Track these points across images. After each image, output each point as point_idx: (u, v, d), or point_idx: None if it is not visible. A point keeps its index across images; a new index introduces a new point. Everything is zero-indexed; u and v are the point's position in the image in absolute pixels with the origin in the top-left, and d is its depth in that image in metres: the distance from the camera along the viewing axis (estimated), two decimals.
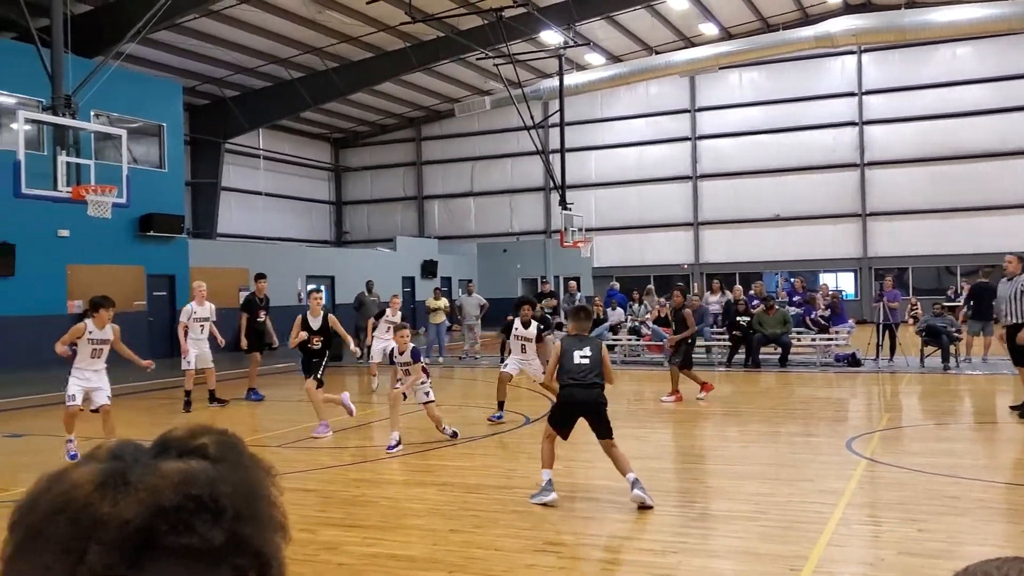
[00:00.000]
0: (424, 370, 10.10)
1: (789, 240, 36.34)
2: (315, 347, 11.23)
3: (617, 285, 24.98)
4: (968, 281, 24.70)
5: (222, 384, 14.62)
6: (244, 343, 14.47)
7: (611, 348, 20.36)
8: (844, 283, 35.69)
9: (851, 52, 35.11)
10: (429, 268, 36.42)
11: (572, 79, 32.44)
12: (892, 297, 18.39)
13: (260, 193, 37.86)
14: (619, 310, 21.63)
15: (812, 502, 7.04)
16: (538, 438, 10.44)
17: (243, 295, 26.75)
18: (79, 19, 19.84)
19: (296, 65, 31.27)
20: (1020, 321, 11.24)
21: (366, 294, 21.48)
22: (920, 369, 17.08)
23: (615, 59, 35.42)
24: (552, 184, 34.50)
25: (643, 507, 6.86)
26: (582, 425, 7.48)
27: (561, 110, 30.63)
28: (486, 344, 22.78)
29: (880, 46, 33.81)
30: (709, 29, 34.00)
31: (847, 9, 33.10)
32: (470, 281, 25.96)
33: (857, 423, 11.71)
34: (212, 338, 13.57)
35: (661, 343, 18.77)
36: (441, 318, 21.14)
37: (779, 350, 18.17)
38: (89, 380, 9.29)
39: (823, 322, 19.17)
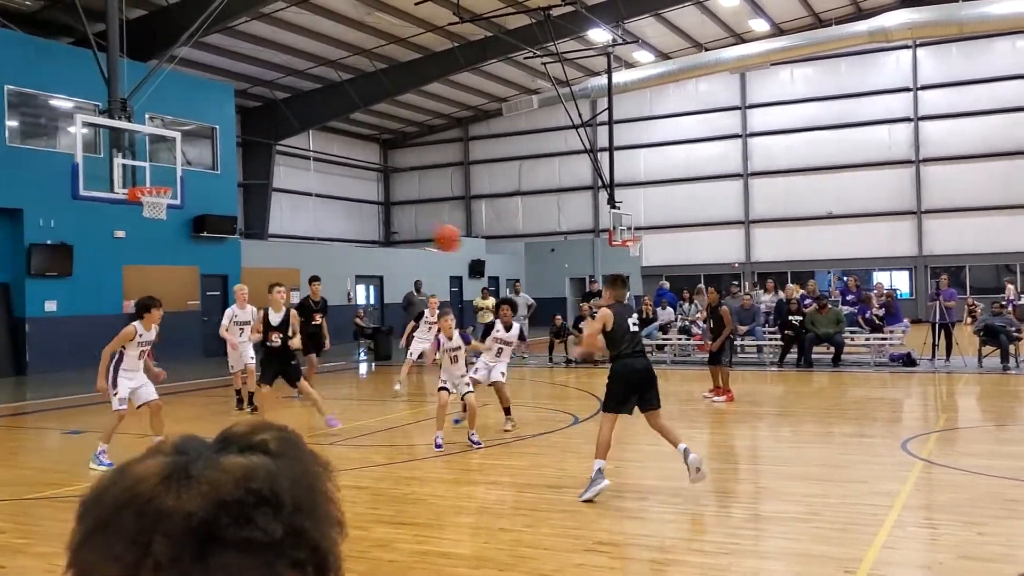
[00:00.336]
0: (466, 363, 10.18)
1: (842, 238, 35.75)
2: (274, 344, 10.81)
3: (667, 284, 24.78)
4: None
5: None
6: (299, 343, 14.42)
7: (661, 348, 20.24)
8: (899, 282, 35.04)
9: (906, 47, 34.44)
10: (477, 268, 36.50)
11: (620, 77, 32.28)
12: (948, 296, 18.00)
13: (310, 194, 38.27)
14: (669, 309, 21.47)
15: (866, 504, 6.91)
16: (587, 436, 10.42)
17: (294, 296, 27.20)
18: (134, 24, 20.28)
19: (345, 67, 31.55)
20: None
21: (414, 294, 21.59)
22: (978, 369, 16.70)
23: (664, 56, 35.17)
24: (600, 183, 34.38)
25: (698, 472, 7.10)
26: (625, 422, 7.43)
27: (610, 108, 30.50)
28: (533, 344, 22.73)
29: (936, 40, 33.10)
30: (760, 25, 33.60)
31: (902, 3, 32.45)
32: (517, 281, 25.96)
33: (913, 424, 11.48)
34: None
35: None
36: (489, 317, 21.08)
37: (832, 350, 17.89)
38: (135, 379, 9.29)
39: (877, 321, 18.83)
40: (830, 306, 18.41)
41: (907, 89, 35.27)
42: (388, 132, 42.71)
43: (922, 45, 34.57)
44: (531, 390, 16.19)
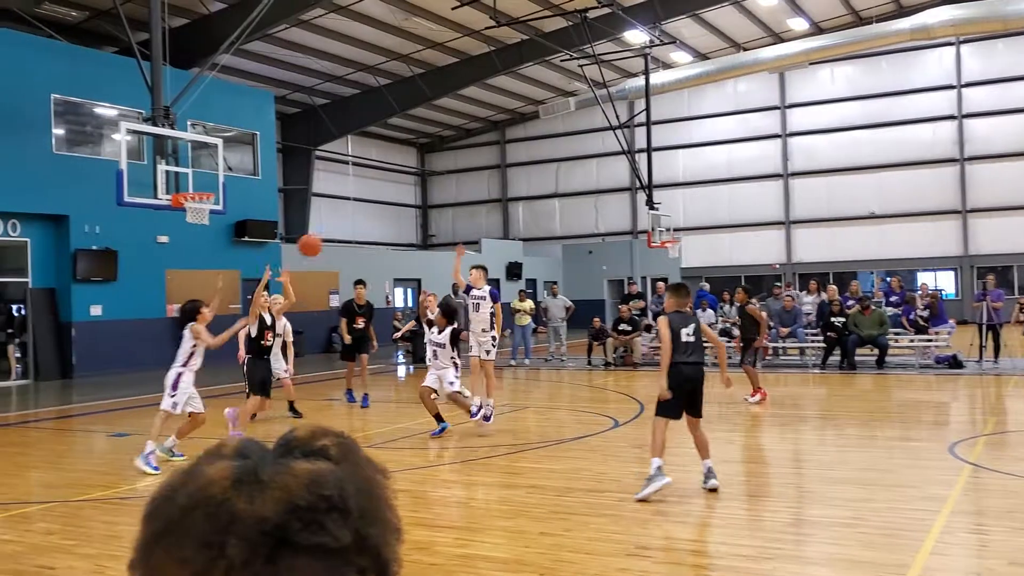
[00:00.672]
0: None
1: (885, 238, 35.23)
2: (268, 343, 10.86)
3: (707, 286, 24.58)
4: None
5: (320, 385, 14.90)
6: (347, 339, 14.35)
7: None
8: (944, 282, 34.46)
9: (949, 44, 33.88)
10: (514, 270, 36.52)
11: (658, 78, 32.10)
12: (996, 296, 17.66)
13: (349, 198, 38.55)
14: (709, 311, 21.30)
15: (914, 509, 6.79)
16: (628, 440, 10.39)
17: (333, 298, 27.43)
18: (176, 32, 20.59)
19: (383, 72, 31.75)
20: None
21: (452, 296, 21.61)
22: None
23: (702, 57, 34.94)
24: (638, 184, 34.23)
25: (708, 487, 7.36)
26: (672, 427, 7.40)
27: (647, 109, 30.34)
28: (572, 346, 22.69)
29: (980, 36, 32.51)
30: (799, 24, 33.25)
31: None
32: (555, 283, 25.93)
33: (960, 427, 11.28)
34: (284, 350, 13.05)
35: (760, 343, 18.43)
36: (526, 320, 21.15)
37: (876, 352, 17.63)
38: (192, 385, 9.39)
39: (922, 323, 18.53)
40: (873, 307, 18.14)
41: (951, 87, 34.68)
42: (425, 136, 42.90)
43: (966, 42, 33.97)
44: (570, 393, 16.15)
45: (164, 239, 21.64)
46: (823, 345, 18.18)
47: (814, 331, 18.98)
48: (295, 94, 32.49)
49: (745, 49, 34.00)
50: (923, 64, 35.00)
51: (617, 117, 30.02)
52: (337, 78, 31.79)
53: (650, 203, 28.94)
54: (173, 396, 9.25)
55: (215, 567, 0.73)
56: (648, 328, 20.16)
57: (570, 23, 27.69)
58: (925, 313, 18.78)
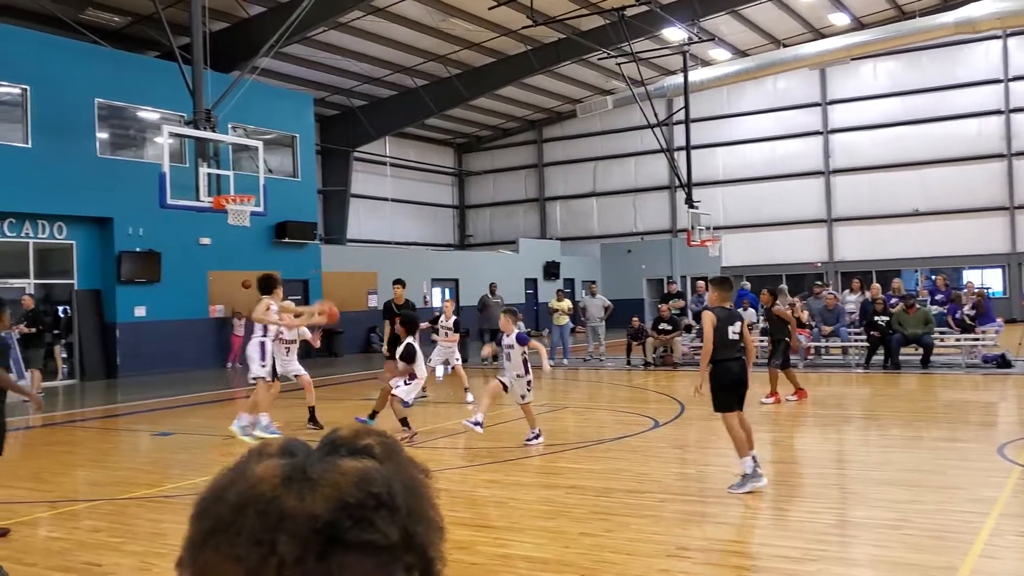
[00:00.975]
0: (526, 367, 10.06)
1: (930, 236, 34.65)
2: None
3: (748, 285, 24.35)
4: None
5: (358, 385, 14.97)
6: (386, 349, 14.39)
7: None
8: (991, 280, 33.82)
9: (995, 37, 33.23)
10: (551, 270, 36.48)
11: (697, 75, 31.87)
12: None
13: (387, 199, 38.76)
14: (751, 310, 21.09)
15: (961, 511, 6.65)
16: (668, 440, 10.32)
17: (371, 298, 27.61)
18: (216, 36, 20.81)
19: (420, 73, 31.87)
20: None
21: (489, 296, 21.65)
22: None
23: (741, 53, 34.63)
24: (678, 182, 34.01)
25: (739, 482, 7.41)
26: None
27: (686, 107, 30.15)
28: (611, 346, 22.60)
29: None
30: (840, 19, 32.82)
31: None
32: (593, 282, 25.84)
33: (1009, 428, 11.05)
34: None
35: (795, 344, 18.22)
36: (564, 320, 21.09)
37: (920, 351, 17.35)
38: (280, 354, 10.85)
39: (968, 321, 18.19)
40: (918, 306, 17.85)
41: (997, 81, 34.03)
42: (462, 136, 43.00)
43: (1013, 35, 33.32)
44: (609, 393, 16.09)
45: (206, 241, 21.91)
46: (867, 344, 17.92)
47: (857, 330, 18.72)
48: (333, 96, 32.73)
49: (785, 45, 33.63)
50: (968, 58, 34.37)
51: (655, 115, 29.86)
52: (375, 80, 31.98)
53: (689, 201, 28.74)
54: (264, 365, 10.49)
55: (267, 564, 0.73)
56: (688, 328, 20.01)
57: (607, 21, 27.59)
58: (971, 312, 18.44)
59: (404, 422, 10.38)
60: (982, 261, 34.25)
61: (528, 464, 9.17)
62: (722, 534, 6.48)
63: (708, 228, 28.99)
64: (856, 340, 18.55)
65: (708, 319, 7.66)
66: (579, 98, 37.64)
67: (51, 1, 20.90)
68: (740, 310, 20.89)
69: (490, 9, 26.59)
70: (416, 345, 10.79)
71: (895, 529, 6.25)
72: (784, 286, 26.38)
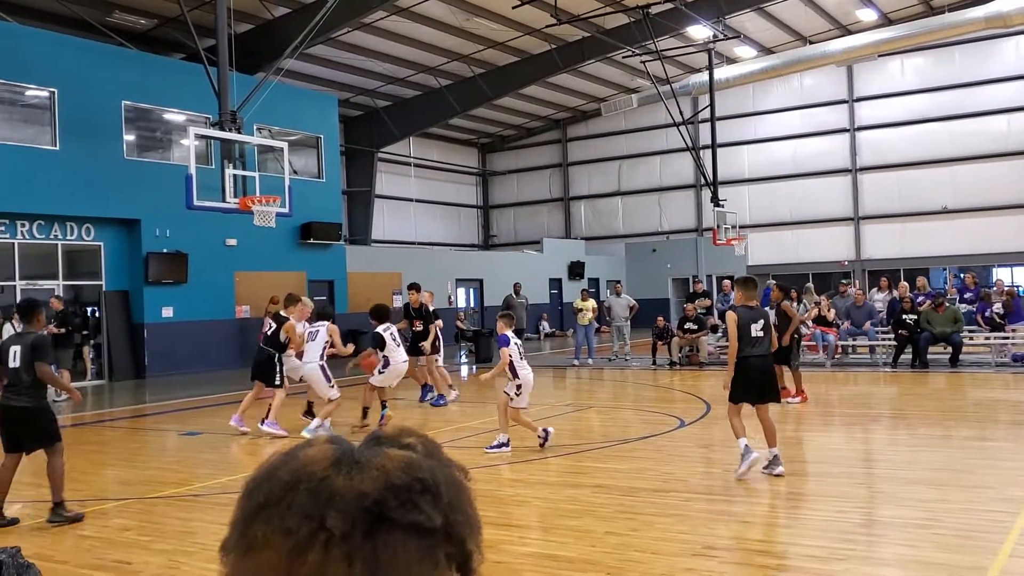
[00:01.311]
0: (514, 372, 9.76)
1: (959, 233, 34.23)
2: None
3: (774, 283, 24.17)
4: None
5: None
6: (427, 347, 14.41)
7: None
8: (1021, 278, 33.38)
9: None
10: (576, 269, 36.43)
11: (722, 73, 31.70)
12: None
13: (411, 200, 38.86)
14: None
15: (991, 510, 6.58)
16: (694, 440, 10.29)
17: (396, 298, 27.71)
18: (241, 38, 20.98)
19: (444, 73, 31.92)
20: None
21: (513, 296, 21.67)
22: None
23: (767, 51, 34.39)
24: (703, 181, 33.84)
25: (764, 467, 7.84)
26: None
27: (712, 105, 29.99)
28: (636, 346, 22.53)
29: None
30: (867, 15, 32.51)
31: None
32: (618, 282, 25.79)
33: None
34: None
35: (825, 343, 18.11)
36: (588, 319, 21.05)
37: (949, 350, 17.16)
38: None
39: (998, 320, 17.97)
40: (947, 304, 17.66)
41: None
42: (486, 136, 43.02)
43: None
44: (634, 392, 16.04)
45: (232, 242, 22.08)
46: (894, 343, 17.76)
47: (885, 328, 18.55)
48: (358, 97, 32.86)
49: (811, 42, 33.36)
50: (998, 53, 33.92)
51: (681, 113, 29.73)
52: (399, 80, 32.07)
53: (715, 200, 28.60)
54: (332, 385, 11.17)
55: (315, 538, 0.75)
56: (715, 328, 19.91)
57: (632, 19, 27.50)
58: (1001, 310, 18.22)
59: (365, 412, 10.81)
60: (1012, 259, 33.80)
61: (554, 463, 9.16)
62: (748, 533, 6.45)
63: (734, 227, 28.83)
64: (884, 339, 18.38)
65: (731, 318, 8.05)
66: (604, 97, 37.54)
67: (78, 4, 21.14)
68: (767, 308, 20.89)
69: (514, 8, 26.59)
70: (386, 336, 11.26)
71: (923, 529, 6.20)
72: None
